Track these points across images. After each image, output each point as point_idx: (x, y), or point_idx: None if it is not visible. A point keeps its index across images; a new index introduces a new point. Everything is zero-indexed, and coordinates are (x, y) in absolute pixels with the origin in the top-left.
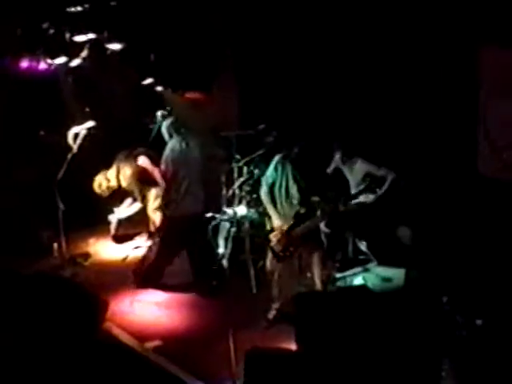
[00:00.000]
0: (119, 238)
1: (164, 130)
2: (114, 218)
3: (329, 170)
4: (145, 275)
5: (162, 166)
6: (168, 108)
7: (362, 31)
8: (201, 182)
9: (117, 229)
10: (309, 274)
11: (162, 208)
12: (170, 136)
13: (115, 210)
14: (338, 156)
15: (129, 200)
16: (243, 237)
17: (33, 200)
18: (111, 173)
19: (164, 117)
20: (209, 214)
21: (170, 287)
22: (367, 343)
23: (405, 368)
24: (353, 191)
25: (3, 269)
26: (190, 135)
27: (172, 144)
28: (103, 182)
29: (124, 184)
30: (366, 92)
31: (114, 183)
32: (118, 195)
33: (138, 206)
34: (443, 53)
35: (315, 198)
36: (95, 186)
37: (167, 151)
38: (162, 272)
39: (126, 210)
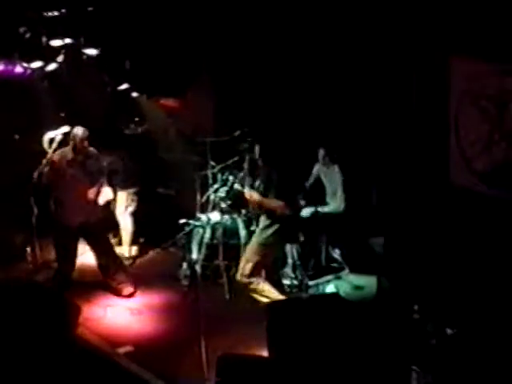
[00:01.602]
0: None
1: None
2: None
3: (308, 183)
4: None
5: None
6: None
7: (335, 38)
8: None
9: None
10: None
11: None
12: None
13: None
14: (321, 155)
15: None
16: (216, 243)
17: (6, 204)
18: None
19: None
20: (182, 220)
21: (143, 292)
22: (338, 351)
23: (375, 376)
24: (330, 199)
25: None
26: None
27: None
28: None
29: None
30: (339, 99)
31: None
32: None
33: None
34: (415, 62)
35: None
36: None
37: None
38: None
39: None
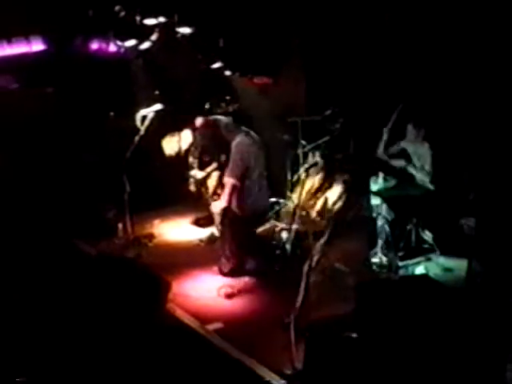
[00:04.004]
0: (200, 222)
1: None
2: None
3: (395, 148)
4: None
5: (237, 164)
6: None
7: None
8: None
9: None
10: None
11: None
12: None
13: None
14: (409, 130)
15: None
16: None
17: (99, 181)
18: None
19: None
20: (272, 199)
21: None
22: (428, 336)
23: (467, 365)
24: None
25: (68, 249)
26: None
27: (241, 139)
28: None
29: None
30: (435, 77)
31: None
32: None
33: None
34: None
35: None
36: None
37: (239, 148)
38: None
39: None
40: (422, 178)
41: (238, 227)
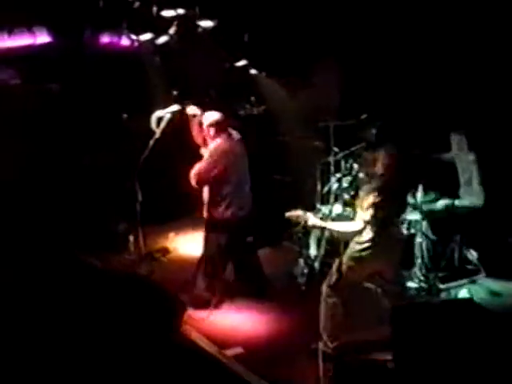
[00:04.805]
0: None
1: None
2: None
3: (445, 156)
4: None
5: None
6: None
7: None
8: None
9: None
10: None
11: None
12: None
13: None
14: (453, 140)
15: None
16: (338, 238)
17: (110, 188)
18: None
19: None
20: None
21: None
22: (471, 366)
23: None
24: (462, 190)
25: (75, 263)
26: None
27: (221, 141)
28: None
29: None
30: (480, 82)
31: None
32: None
33: None
34: None
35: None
36: None
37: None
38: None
39: None
40: (472, 202)
41: (217, 237)
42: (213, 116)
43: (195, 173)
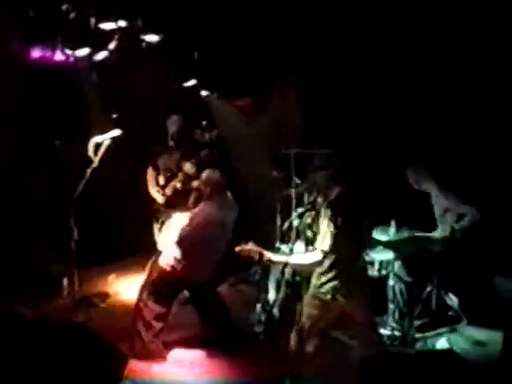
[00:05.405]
0: None
1: None
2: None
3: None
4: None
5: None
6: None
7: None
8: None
9: None
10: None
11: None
12: None
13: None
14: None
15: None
16: (299, 280)
17: (41, 225)
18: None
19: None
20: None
21: (203, 339)
22: None
23: None
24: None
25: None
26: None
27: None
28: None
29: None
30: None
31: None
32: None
33: None
34: None
35: None
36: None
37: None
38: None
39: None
40: (446, 225)
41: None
42: (213, 175)
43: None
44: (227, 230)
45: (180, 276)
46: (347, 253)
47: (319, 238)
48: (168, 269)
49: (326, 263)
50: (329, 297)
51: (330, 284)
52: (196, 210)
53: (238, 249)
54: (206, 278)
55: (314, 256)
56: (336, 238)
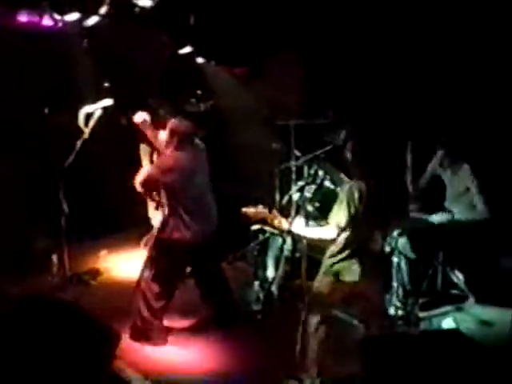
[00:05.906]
0: None
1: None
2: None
3: (423, 181)
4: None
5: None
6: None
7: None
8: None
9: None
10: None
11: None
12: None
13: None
14: (439, 155)
15: None
16: (299, 257)
17: (29, 199)
18: None
19: None
20: (255, 227)
21: (198, 318)
22: None
23: None
24: (450, 204)
25: None
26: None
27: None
28: None
29: None
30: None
31: None
32: None
33: None
34: None
35: None
36: None
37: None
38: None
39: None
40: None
41: (173, 259)
42: (180, 124)
43: (144, 177)
44: (205, 182)
45: (175, 239)
46: (365, 234)
47: (334, 211)
48: (160, 234)
49: (341, 241)
50: (339, 267)
51: (342, 264)
52: (165, 156)
53: (244, 210)
54: (202, 239)
55: (328, 232)
56: (354, 214)
